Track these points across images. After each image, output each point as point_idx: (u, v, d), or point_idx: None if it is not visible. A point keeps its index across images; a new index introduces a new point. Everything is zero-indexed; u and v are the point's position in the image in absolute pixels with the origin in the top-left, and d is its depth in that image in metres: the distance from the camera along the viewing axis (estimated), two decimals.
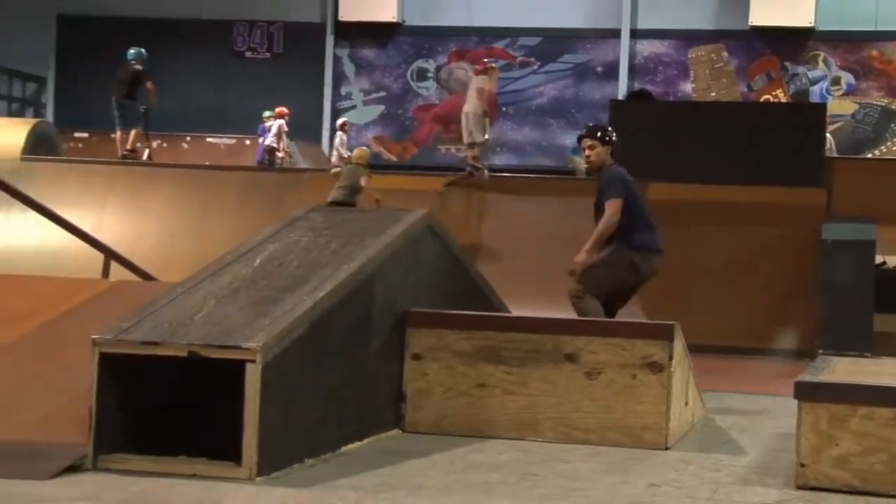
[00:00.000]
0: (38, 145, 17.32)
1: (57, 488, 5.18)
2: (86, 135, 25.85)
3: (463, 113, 17.72)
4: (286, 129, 23.65)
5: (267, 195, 15.73)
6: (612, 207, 8.77)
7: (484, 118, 17.74)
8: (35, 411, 5.95)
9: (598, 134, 9.24)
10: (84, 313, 6.97)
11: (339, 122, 24.75)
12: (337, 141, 24.41)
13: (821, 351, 10.49)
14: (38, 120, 21.80)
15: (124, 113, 20.14)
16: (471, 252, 10.12)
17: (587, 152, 9.20)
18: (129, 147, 19.92)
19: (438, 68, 30.02)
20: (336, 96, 29.96)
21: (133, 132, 20.10)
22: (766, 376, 9.90)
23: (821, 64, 28.27)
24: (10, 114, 29.87)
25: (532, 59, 29.07)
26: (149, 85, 20.08)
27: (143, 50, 20.39)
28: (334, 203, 14.73)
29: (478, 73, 19.96)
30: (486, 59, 25.10)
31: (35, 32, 30.89)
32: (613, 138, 9.27)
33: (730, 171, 14.30)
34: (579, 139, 9.39)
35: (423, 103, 30.16)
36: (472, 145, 17.74)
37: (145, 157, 20.53)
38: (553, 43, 29.13)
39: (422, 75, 30.05)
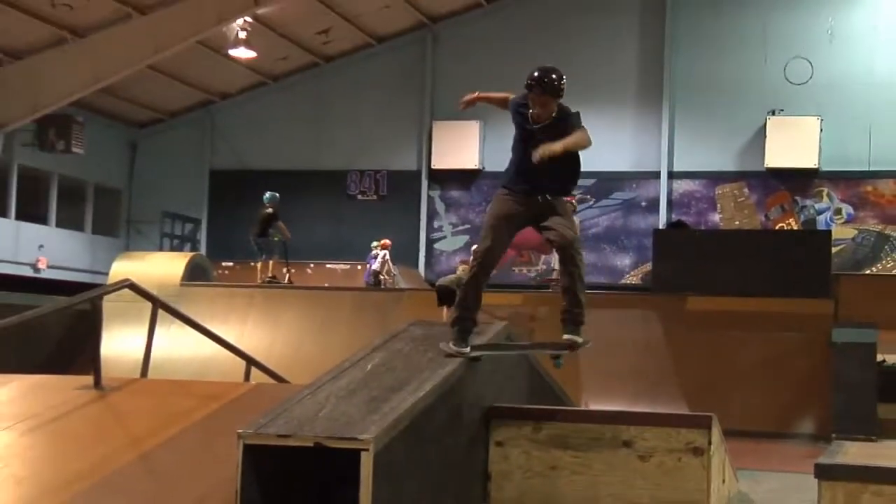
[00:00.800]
0: (194, 273, 17.58)
1: None
2: (231, 264, 26.16)
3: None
4: (389, 256, 23.82)
5: (374, 311, 15.81)
6: (586, 132, 7.11)
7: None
8: (194, 492, 5.98)
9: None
10: (231, 410, 7.02)
11: (381, 242, 24.44)
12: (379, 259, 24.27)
13: (834, 435, 10.30)
14: (194, 253, 22.12)
15: (261, 247, 20.51)
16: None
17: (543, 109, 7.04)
18: (270, 274, 20.27)
19: None
20: (430, 229, 30.16)
21: (271, 262, 20.44)
22: (789, 457, 9.72)
23: (825, 198, 28.22)
24: (172, 248, 30.35)
25: (588, 196, 29.14)
26: (280, 224, 20.42)
27: (276, 194, 20.74)
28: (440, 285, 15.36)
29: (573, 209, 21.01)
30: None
31: (192, 184, 31.52)
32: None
33: (753, 285, 14.28)
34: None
35: None
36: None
37: (286, 280, 20.86)
38: (605, 183, 29.19)
39: None
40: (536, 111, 7.05)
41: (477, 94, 7.61)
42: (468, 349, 6.74)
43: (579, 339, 7.22)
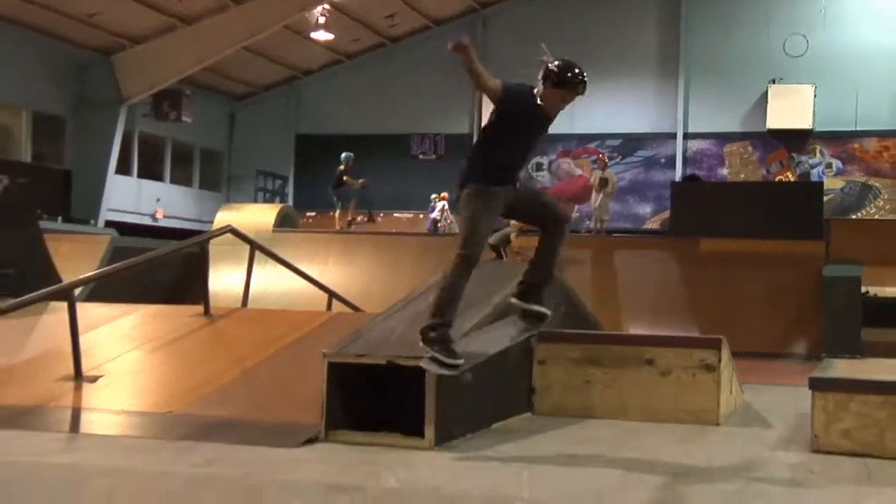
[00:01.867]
0: (283, 222, 17.62)
1: (302, 453, 5.24)
2: (314, 214, 26.36)
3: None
4: (446, 207, 23.83)
5: (434, 253, 15.72)
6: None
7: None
8: (287, 402, 6.04)
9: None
10: (316, 335, 7.07)
11: (440, 195, 24.48)
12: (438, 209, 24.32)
13: (825, 355, 10.21)
14: (283, 205, 22.20)
15: (338, 197, 20.59)
16: (582, 286, 10.03)
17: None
18: (350, 217, 20.47)
19: (549, 162, 30.07)
20: None
21: (350, 209, 20.58)
22: (786, 373, 9.68)
23: (818, 154, 28.03)
24: (265, 201, 30.58)
25: (615, 154, 29.05)
26: (347, 179, 20.44)
27: (351, 154, 20.73)
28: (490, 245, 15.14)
29: (605, 167, 21.03)
30: (601, 153, 25.41)
31: (281, 147, 31.76)
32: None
33: (756, 229, 14.16)
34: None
35: (539, 187, 30.24)
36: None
37: (366, 220, 21.09)
38: (629, 143, 29.16)
39: (538, 167, 30.13)
40: (561, 108, 5.92)
41: (467, 45, 5.45)
42: (461, 360, 5.56)
43: (548, 311, 6.45)
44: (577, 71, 5.81)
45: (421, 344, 5.49)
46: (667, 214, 23.08)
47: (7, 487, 4.43)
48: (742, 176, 28.15)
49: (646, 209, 28.91)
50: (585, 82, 5.85)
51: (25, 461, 4.95)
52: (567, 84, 5.78)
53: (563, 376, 6.74)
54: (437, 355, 5.43)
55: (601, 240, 17.87)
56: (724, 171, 28.61)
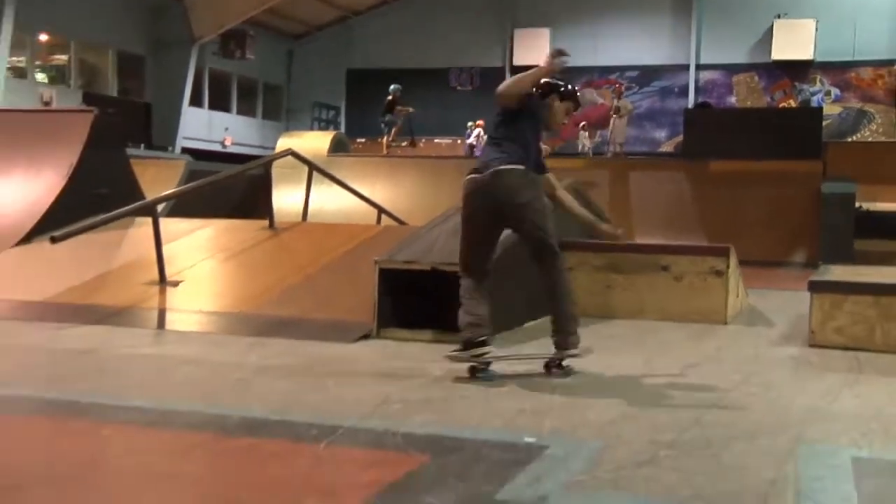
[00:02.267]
0: (336, 147, 17.53)
1: (357, 347, 5.30)
2: (364, 140, 26.25)
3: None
4: (481, 133, 23.65)
5: None
6: None
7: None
8: (343, 304, 6.09)
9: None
10: (368, 245, 7.09)
11: (476, 122, 24.20)
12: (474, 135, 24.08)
13: (821, 263, 10.11)
14: (336, 132, 22.06)
15: (387, 124, 20.56)
16: (603, 202, 9.94)
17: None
18: (394, 143, 20.43)
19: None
20: None
21: (393, 134, 20.54)
22: (787, 279, 9.57)
23: (818, 83, 27.54)
24: (320, 129, 30.47)
25: (633, 84, 28.74)
26: (398, 108, 20.35)
27: (399, 86, 20.61)
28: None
29: (620, 95, 20.86)
30: (619, 83, 25.03)
31: (334, 80, 31.62)
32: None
33: (761, 151, 13.99)
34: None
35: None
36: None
37: (410, 144, 21.05)
38: (646, 74, 28.79)
39: None
40: (563, 120, 5.13)
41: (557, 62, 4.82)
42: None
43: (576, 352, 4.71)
44: (575, 89, 5.18)
45: (566, 353, 4.62)
46: (680, 139, 22.79)
47: (110, 372, 4.53)
48: (748, 103, 27.76)
49: (661, 134, 28.63)
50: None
51: (123, 352, 5.06)
52: (572, 98, 5.08)
53: (588, 281, 6.73)
54: (576, 353, 4.62)
55: (619, 161, 17.82)
56: (733, 99, 28.23)
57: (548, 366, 4.68)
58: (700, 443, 3.32)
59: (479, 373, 4.52)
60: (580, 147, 23.16)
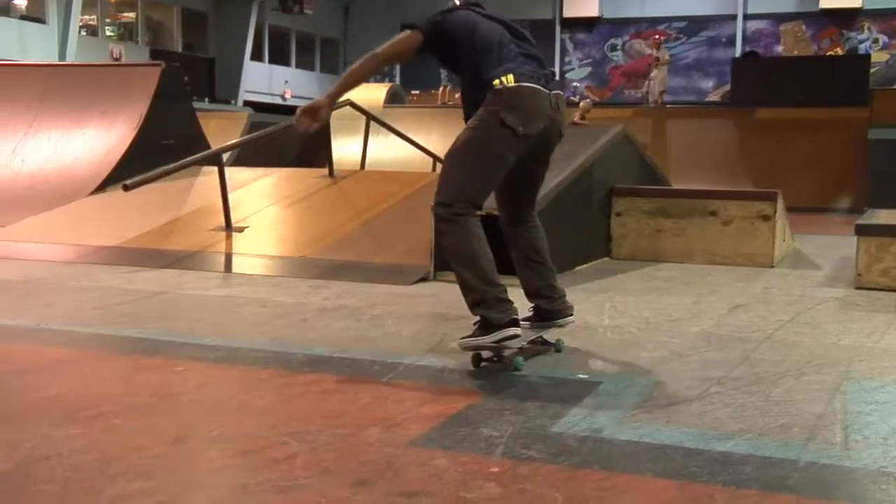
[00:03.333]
0: (392, 99, 17.52)
1: (415, 289, 5.32)
2: (418, 92, 26.14)
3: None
4: None
5: None
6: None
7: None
8: (402, 247, 6.11)
9: None
10: (424, 191, 7.07)
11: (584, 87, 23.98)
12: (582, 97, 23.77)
13: (867, 208, 9.91)
14: (392, 84, 21.97)
15: (444, 76, 20.48)
16: (652, 150, 9.80)
17: None
18: (447, 99, 20.27)
19: (623, 43, 29.46)
20: (562, 63, 29.76)
21: (448, 88, 20.36)
22: (832, 224, 9.43)
23: (866, 30, 26.76)
24: (376, 82, 30.34)
25: (681, 35, 28.22)
26: None
27: None
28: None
29: (660, 46, 20.50)
30: (657, 37, 24.44)
31: (390, 33, 31.13)
32: None
33: (808, 99, 13.70)
34: None
35: (614, 65, 29.71)
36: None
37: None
38: (694, 24, 28.24)
39: (613, 48, 29.49)
40: None
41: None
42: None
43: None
44: None
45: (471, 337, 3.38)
46: (727, 88, 22.37)
47: (181, 312, 4.60)
48: (795, 52, 27.06)
49: (708, 84, 28.13)
50: None
51: (193, 293, 5.14)
52: None
53: (637, 226, 6.68)
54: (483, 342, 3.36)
55: (664, 110, 17.59)
56: (780, 49, 27.56)
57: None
58: (749, 379, 3.29)
59: (503, 360, 3.41)
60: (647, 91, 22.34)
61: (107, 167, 8.40)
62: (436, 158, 10.65)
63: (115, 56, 23.42)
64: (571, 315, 3.79)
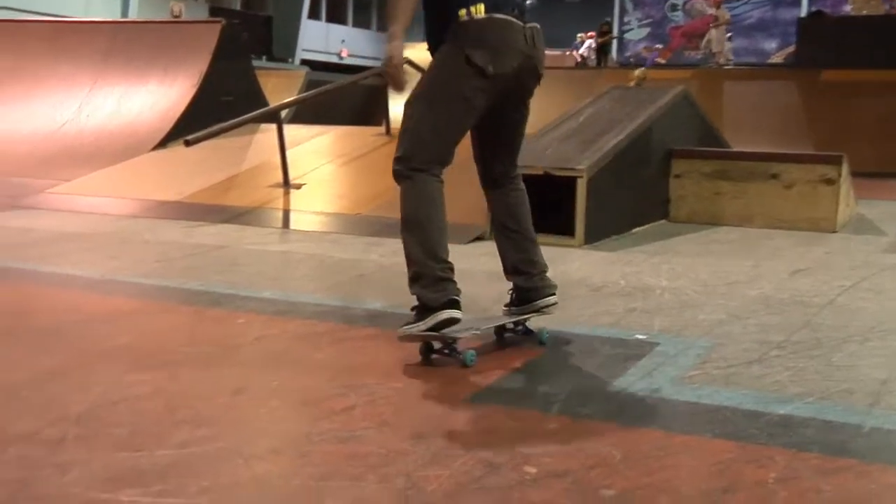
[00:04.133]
0: None
1: (471, 248, 5.32)
2: None
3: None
4: (592, 44, 23.11)
5: (581, 83, 15.38)
6: None
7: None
8: (457, 207, 6.04)
9: None
10: None
11: (586, 34, 23.51)
12: (584, 46, 23.40)
13: None
14: None
15: None
16: (712, 111, 9.61)
17: None
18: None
19: (684, 3, 28.93)
20: (621, 23, 29.32)
21: None
22: None
23: None
24: None
25: None
26: None
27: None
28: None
29: (719, 5, 20.10)
30: None
31: None
32: None
33: (876, 60, 13.28)
34: None
35: (674, 25, 29.20)
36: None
37: None
38: None
39: (673, 8, 28.94)
40: None
41: None
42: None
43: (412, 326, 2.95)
44: None
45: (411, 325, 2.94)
46: (790, 50, 21.83)
47: (242, 266, 4.67)
48: (865, 12, 26.26)
49: (771, 45, 27.48)
50: None
51: (252, 248, 5.21)
52: None
53: (696, 188, 6.59)
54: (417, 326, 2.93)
55: (723, 71, 17.24)
56: (848, 8, 26.75)
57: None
58: (810, 343, 3.24)
59: (446, 352, 2.93)
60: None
61: (168, 123, 8.52)
62: None
63: (175, 13, 23.59)
64: (552, 296, 3.19)
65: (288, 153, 6.92)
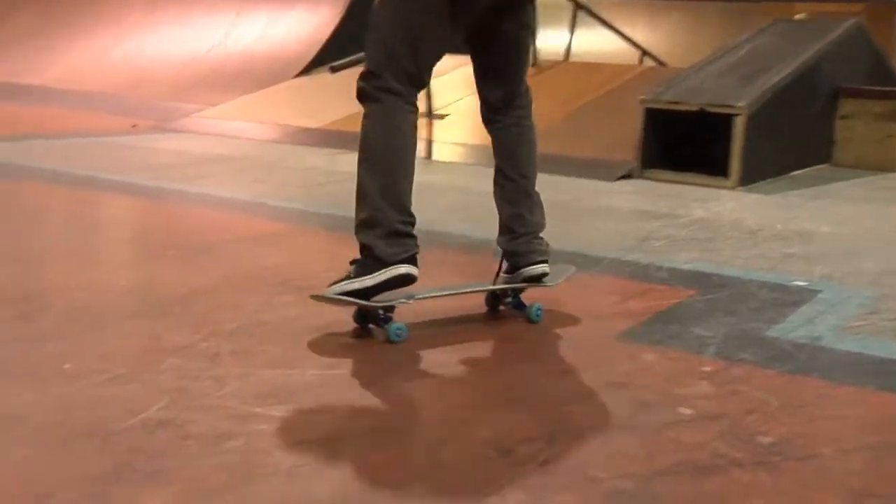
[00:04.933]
0: None
1: (619, 185, 5.25)
2: None
3: None
4: None
5: (736, 17, 14.78)
6: None
7: None
8: (605, 142, 6.01)
9: None
10: (629, 85, 6.90)
11: None
12: None
13: None
14: None
15: None
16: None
17: None
18: None
19: None
20: None
21: None
22: None
23: None
24: None
25: None
26: None
27: None
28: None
29: None
30: None
31: None
32: None
33: None
34: None
35: None
36: None
37: None
38: None
39: None
40: None
41: None
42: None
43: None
44: None
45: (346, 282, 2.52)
46: None
47: None
48: None
49: None
50: None
51: None
52: None
53: (865, 130, 6.25)
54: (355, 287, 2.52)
55: None
56: None
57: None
58: None
59: (380, 322, 2.52)
60: None
61: (313, 49, 8.66)
62: (643, 51, 10.32)
63: None
64: (543, 263, 2.69)
65: (432, 82, 6.93)
